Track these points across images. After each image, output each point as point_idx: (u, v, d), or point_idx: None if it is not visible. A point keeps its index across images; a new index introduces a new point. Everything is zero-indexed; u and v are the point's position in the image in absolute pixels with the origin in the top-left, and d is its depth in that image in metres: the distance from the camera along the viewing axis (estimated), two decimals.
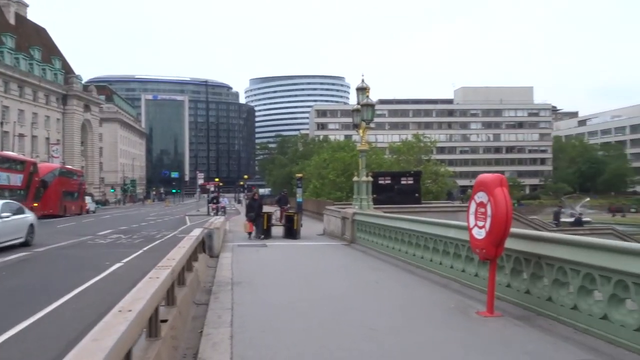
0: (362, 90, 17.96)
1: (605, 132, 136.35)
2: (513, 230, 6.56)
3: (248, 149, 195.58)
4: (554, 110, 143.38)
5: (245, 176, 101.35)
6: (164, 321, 5.04)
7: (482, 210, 6.49)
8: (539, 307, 6.30)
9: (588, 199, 79.40)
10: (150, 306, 4.05)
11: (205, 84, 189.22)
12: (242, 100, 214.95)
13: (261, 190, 27.04)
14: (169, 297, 5.66)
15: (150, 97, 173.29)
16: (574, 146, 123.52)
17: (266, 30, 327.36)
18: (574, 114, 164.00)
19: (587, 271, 5.50)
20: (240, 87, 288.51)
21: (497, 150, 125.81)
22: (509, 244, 6.60)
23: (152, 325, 4.47)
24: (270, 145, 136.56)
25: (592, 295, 5.53)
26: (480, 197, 6.58)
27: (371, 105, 17.66)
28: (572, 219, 57.24)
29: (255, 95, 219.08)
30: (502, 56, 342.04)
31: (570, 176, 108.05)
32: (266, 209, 20.82)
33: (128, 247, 16.64)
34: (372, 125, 19.09)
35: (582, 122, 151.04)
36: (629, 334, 4.85)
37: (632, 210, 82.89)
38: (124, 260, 13.12)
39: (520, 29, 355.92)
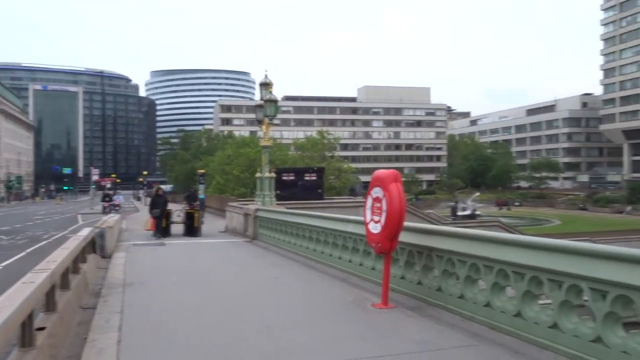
0: (266, 85, 17.83)
1: (493, 131, 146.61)
2: (407, 224, 6.77)
3: (149, 144, 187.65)
4: (448, 110, 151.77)
5: (145, 172, 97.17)
6: (42, 329, 4.65)
7: (378, 205, 6.64)
8: (430, 297, 6.56)
9: (478, 193, 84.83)
10: (21, 314, 3.69)
11: (101, 74, 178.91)
12: (143, 93, 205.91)
13: (163, 187, 25.95)
14: (49, 303, 5.23)
15: (39, 87, 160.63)
16: (466, 144, 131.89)
17: (170, 22, 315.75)
18: (466, 114, 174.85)
19: (472, 262, 5.80)
20: (141, 79, 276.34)
21: (397, 147, 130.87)
22: (403, 237, 6.81)
23: (26, 334, 4.10)
24: (173, 141, 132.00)
25: (477, 285, 5.84)
26: (376, 192, 6.72)
27: (274, 101, 17.57)
28: (467, 213, 61.08)
29: (156, 88, 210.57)
30: (402, 57, 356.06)
31: (463, 172, 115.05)
32: (173, 206, 20.05)
33: (9, 249, 15.32)
34: (277, 121, 18.99)
35: (474, 122, 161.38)
36: (508, 320, 5.17)
37: (517, 203, 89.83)
38: (3, 264, 12.04)
39: (419, 32, 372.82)
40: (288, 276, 9.61)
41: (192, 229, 18.04)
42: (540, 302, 4.99)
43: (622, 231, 46.13)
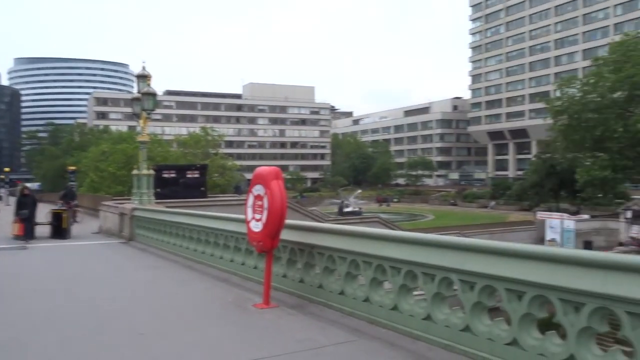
0: (143, 77, 16.90)
1: (374, 131, 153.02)
2: (289, 222, 6.70)
3: (12, 138, 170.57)
4: (332, 109, 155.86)
5: (7, 169, 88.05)
6: None
7: (260, 203, 6.49)
8: (311, 294, 6.54)
9: (360, 190, 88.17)
10: None
11: None
12: (5, 82, 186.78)
13: (29, 185, 23.61)
14: None
15: None
16: (349, 143, 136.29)
17: (40, 7, 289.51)
18: (349, 114, 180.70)
19: (352, 258, 5.86)
20: (2, 67, 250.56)
21: (283, 145, 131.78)
22: (285, 235, 6.73)
23: None
24: (40, 135, 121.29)
25: (357, 280, 5.92)
26: (258, 190, 6.57)
27: (152, 94, 16.71)
28: (353, 209, 63.11)
29: (21, 77, 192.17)
30: (288, 56, 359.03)
31: (345, 170, 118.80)
32: (44, 207, 18.18)
33: None
34: (158, 116, 18.14)
35: (356, 122, 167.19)
36: (386, 313, 5.28)
37: (395, 200, 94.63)
38: None
39: (304, 31, 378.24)
40: (165, 279, 9.14)
41: (60, 231, 16.57)
42: (415, 295, 5.17)
43: (486, 224, 50.39)
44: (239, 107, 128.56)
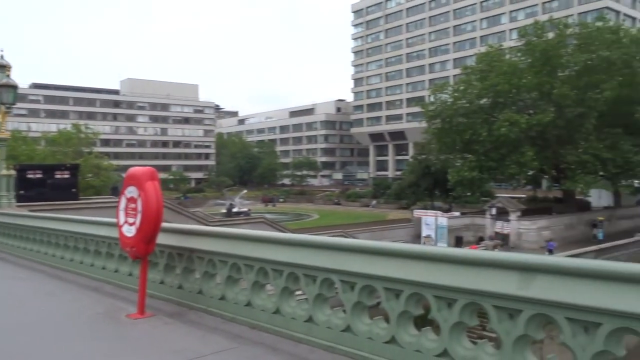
0: (2, 68, 15.26)
1: (260, 131, 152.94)
2: (166, 225, 6.36)
3: None
4: (217, 108, 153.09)
5: None
6: None
7: (133, 205, 6.07)
8: (191, 301, 6.25)
9: (246, 191, 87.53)
10: None
11: None
12: None
13: None
14: None
15: None
16: (235, 143, 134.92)
17: None
18: (234, 113, 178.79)
19: (234, 261, 5.67)
20: None
21: (165, 144, 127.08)
22: (162, 239, 6.36)
23: None
24: None
25: (238, 284, 5.74)
26: (131, 192, 6.14)
27: (13, 87, 15.14)
28: (242, 210, 62.35)
29: None
30: (170, 54, 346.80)
31: (231, 170, 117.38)
32: None
33: None
34: (23, 111, 16.46)
35: (242, 121, 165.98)
36: (268, 317, 5.16)
37: (281, 200, 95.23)
38: None
39: (189, 28, 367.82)
40: (28, 291, 8.26)
41: None
42: (298, 297, 5.11)
43: (368, 223, 52.49)
44: (117, 104, 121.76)
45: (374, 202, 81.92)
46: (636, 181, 48.48)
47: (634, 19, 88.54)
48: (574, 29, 47.89)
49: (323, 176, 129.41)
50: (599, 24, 46.69)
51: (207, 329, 5.47)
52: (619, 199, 55.78)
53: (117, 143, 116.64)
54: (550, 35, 47.18)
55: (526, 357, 3.38)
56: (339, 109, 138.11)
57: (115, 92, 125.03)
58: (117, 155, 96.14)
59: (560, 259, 3.33)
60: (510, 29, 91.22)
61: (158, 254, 6.72)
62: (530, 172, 51.29)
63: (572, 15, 77.61)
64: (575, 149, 45.23)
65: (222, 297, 5.78)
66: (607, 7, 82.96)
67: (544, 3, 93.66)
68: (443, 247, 4.88)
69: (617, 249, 40.21)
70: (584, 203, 55.89)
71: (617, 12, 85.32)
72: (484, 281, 3.51)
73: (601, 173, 47.18)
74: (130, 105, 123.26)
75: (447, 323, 3.70)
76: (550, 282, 3.24)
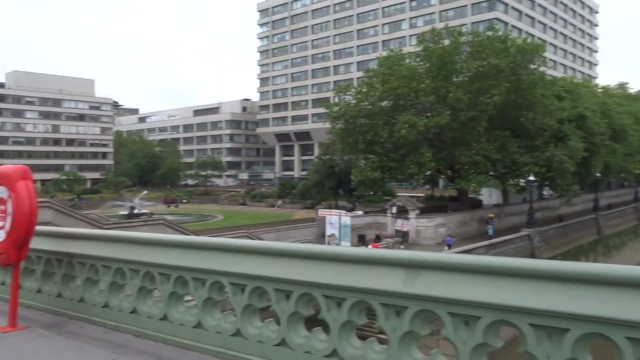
0: None
1: (162, 129, 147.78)
2: (42, 228, 5.83)
3: None
4: (115, 105, 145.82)
5: None
6: None
7: (2, 207, 5.48)
8: (71, 310, 5.77)
9: (146, 191, 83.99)
10: None
11: None
12: None
13: None
14: None
15: None
16: (135, 141, 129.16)
17: None
18: (135, 111, 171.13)
19: (118, 266, 5.29)
20: None
21: (57, 142, 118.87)
22: (40, 244, 5.83)
23: None
24: None
25: (123, 291, 5.37)
26: (1, 192, 5.55)
27: None
28: (141, 211, 59.58)
29: None
30: (64, 47, 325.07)
31: (130, 170, 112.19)
32: None
33: None
34: None
35: (142, 119, 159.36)
36: (155, 325, 4.86)
37: (184, 200, 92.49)
38: None
39: (85, 22, 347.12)
40: None
41: None
42: (187, 302, 4.87)
43: (273, 222, 52.39)
44: (2, 98, 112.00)
45: (280, 202, 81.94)
46: (522, 180, 52.34)
47: (520, 30, 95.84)
48: (468, 37, 50.84)
49: (228, 176, 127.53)
50: (489, 33, 50.01)
51: (87, 339, 5.05)
52: (507, 197, 60.01)
53: (3, 140, 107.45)
54: (447, 42, 49.75)
55: (412, 353, 3.42)
56: (244, 109, 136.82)
57: (0, 85, 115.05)
58: (2, 154, 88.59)
59: (442, 255, 3.40)
60: (410, 35, 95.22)
61: (34, 260, 6.15)
62: (428, 172, 53.86)
63: (466, 24, 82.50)
64: (468, 150, 48.01)
65: (106, 305, 5.38)
66: (497, 18, 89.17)
67: (440, 12, 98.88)
68: (333, 247, 4.86)
69: (505, 244, 43.33)
70: (477, 201, 59.73)
71: (506, 23, 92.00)
72: (372, 279, 3.50)
73: (491, 173, 50.63)
74: (17, 99, 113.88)
75: (337, 322, 3.66)
76: (433, 278, 3.29)
